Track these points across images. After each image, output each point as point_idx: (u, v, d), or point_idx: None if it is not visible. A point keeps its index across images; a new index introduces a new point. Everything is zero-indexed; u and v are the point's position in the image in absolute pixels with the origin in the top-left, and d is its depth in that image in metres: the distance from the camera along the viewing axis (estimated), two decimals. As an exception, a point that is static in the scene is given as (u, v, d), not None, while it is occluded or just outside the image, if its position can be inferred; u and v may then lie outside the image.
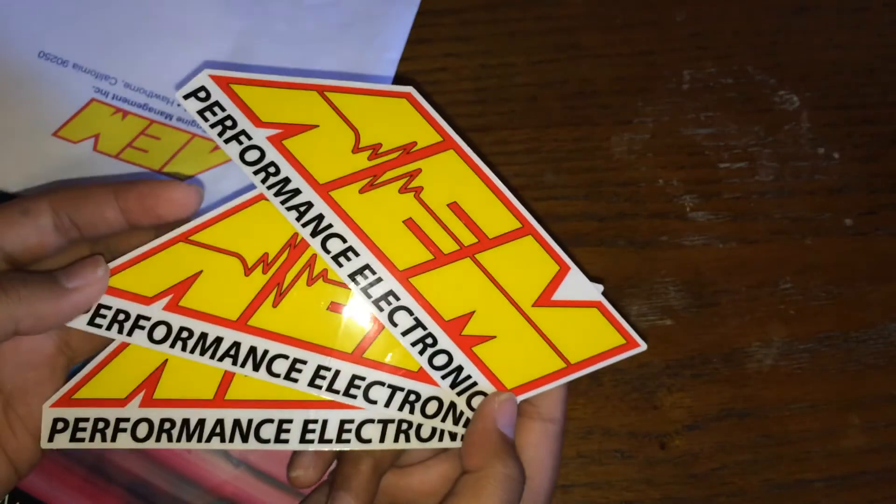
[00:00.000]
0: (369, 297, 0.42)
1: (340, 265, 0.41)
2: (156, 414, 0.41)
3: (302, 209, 0.41)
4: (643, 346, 0.43)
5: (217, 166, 0.53)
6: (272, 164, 0.41)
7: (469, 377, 0.42)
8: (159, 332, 0.41)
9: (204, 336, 0.41)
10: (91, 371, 0.41)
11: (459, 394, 0.42)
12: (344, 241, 0.41)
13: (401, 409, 0.42)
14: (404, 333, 0.42)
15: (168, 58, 0.56)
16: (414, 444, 0.42)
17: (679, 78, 0.60)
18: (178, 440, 0.41)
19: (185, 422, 0.41)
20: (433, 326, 0.42)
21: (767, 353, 0.55)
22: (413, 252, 0.42)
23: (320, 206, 0.41)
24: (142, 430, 0.41)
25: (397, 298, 0.42)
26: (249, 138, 0.41)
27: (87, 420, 0.41)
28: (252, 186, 0.41)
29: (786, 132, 0.59)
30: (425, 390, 0.42)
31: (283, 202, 0.41)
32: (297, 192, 0.41)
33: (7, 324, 0.37)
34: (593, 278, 0.43)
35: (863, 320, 0.56)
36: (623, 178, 0.58)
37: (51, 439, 0.41)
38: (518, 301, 0.42)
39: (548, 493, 0.43)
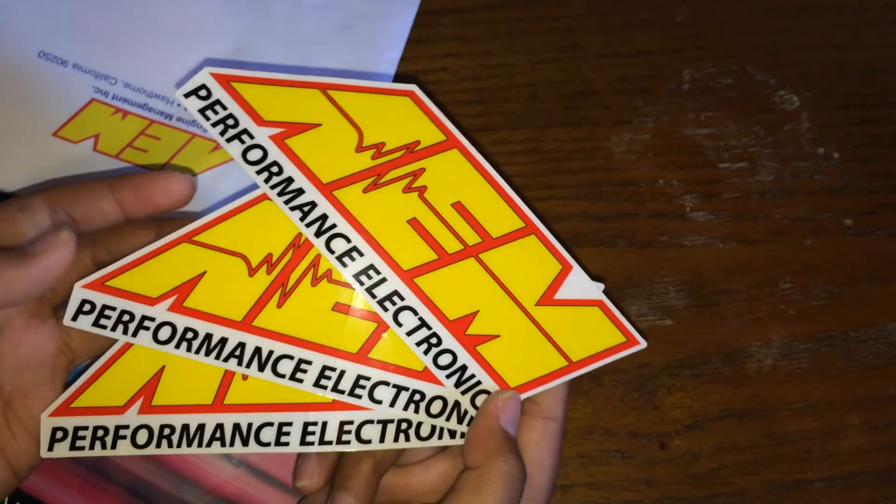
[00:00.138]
0: (374, 297, 0.42)
1: (345, 265, 0.41)
2: (155, 420, 0.41)
3: (306, 209, 0.41)
4: (643, 344, 0.43)
5: (217, 166, 0.53)
6: (275, 163, 0.41)
7: (473, 376, 0.42)
8: (164, 333, 0.41)
9: (209, 337, 0.41)
10: (88, 379, 0.41)
11: (464, 393, 0.42)
12: (348, 241, 0.41)
13: (405, 408, 0.42)
14: (409, 333, 0.42)
15: (168, 58, 0.56)
16: (414, 443, 0.42)
17: (679, 78, 0.60)
18: (179, 446, 0.41)
19: (185, 427, 0.41)
20: (438, 326, 0.42)
21: (767, 353, 0.55)
22: (417, 252, 0.42)
23: (324, 206, 0.41)
24: (141, 436, 0.41)
25: (402, 298, 0.42)
26: (252, 137, 0.41)
27: (86, 428, 0.41)
28: (253, 186, 0.41)
29: (786, 132, 0.59)
30: (430, 389, 0.42)
31: (286, 202, 0.41)
32: (300, 191, 0.41)
33: None
34: (594, 277, 0.43)
35: (863, 320, 0.56)
36: (623, 178, 0.58)
37: (50, 448, 0.41)
38: (521, 300, 0.42)
39: (548, 492, 0.43)
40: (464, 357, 0.42)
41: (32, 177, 0.52)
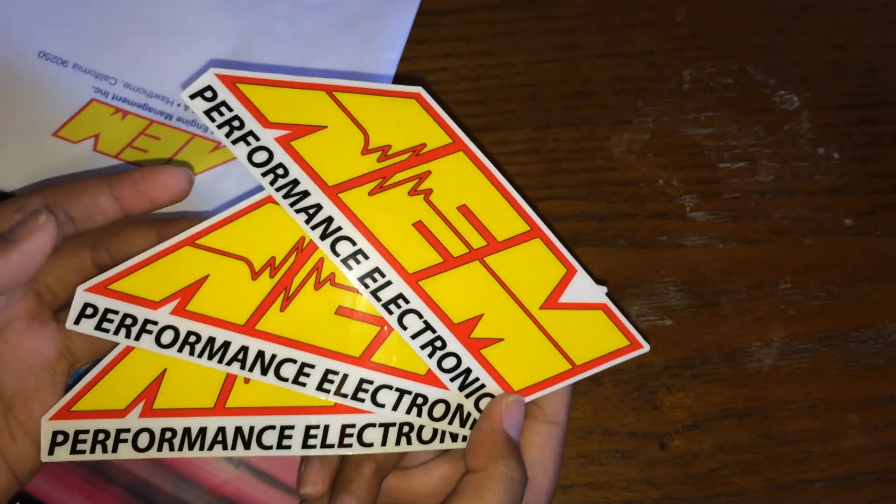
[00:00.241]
0: (379, 299, 0.41)
1: (350, 268, 0.41)
2: (156, 424, 0.41)
3: (311, 212, 0.41)
4: (646, 348, 0.43)
5: (217, 166, 0.53)
6: (280, 165, 0.41)
7: (477, 379, 0.42)
8: (167, 337, 0.41)
9: (212, 340, 0.41)
10: (89, 382, 0.41)
11: (467, 396, 0.42)
12: (354, 244, 0.41)
13: (408, 412, 0.42)
14: (414, 336, 0.42)
15: (168, 58, 0.56)
16: (416, 446, 0.42)
17: (679, 78, 0.60)
18: (180, 449, 0.41)
19: (187, 431, 0.41)
20: (442, 330, 0.42)
21: (767, 353, 0.55)
22: (423, 255, 0.42)
23: (330, 209, 0.41)
24: (143, 440, 0.41)
25: (407, 301, 0.42)
26: (257, 139, 0.40)
27: (86, 432, 0.41)
28: (255, 187, 0.41)
29: (786, 132, 0.59)
30: (433, 393, 0.42)
31: (292, 204, 0.41)
32: (306, 194, 0.41)
33: None
34: (595, 280, 0.43)
35: (863, 320, 0.56)
36: (623, 178, 0.58)
37: (51, 452, 0.41)
38: (526, 304, 0.42)
39: (549, 495, 0.43)
40: (468, 360, 0.42)
41: (32, 177, 0.52)
